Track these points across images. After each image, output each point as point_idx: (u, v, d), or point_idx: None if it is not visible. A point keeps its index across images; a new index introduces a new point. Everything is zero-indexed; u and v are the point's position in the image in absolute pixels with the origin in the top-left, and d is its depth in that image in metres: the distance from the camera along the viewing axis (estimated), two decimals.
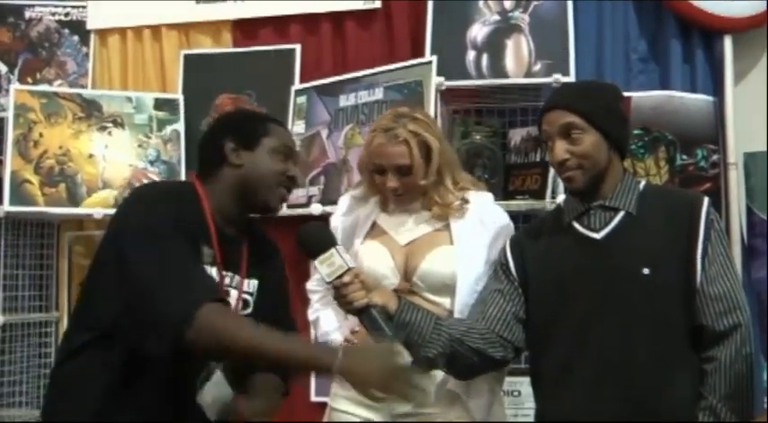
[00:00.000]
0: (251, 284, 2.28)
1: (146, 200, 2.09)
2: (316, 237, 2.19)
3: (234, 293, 2.20)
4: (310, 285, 2.85)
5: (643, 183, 2.33)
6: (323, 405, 2.93)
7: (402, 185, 2.51)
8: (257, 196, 2.20)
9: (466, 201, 2.57)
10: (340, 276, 2.12)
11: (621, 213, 2.23)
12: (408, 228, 2.59)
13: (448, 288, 2.50)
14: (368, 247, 2.57)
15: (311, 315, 2.82)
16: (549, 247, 2.31)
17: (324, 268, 2.13)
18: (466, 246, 2.53)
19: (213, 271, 2.14)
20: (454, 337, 2.24)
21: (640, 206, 2.24)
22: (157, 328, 1.91)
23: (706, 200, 2.22)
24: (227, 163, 2.19)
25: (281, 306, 2.36)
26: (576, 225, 2.27)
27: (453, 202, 2.55)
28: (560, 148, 2.22)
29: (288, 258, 3.78)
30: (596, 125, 2.21)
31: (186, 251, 2.01)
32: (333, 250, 2.13)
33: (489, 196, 2.68)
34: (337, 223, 2.65)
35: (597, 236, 2.24)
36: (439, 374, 2.42)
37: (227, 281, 2.19)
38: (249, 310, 2.24)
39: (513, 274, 2.34)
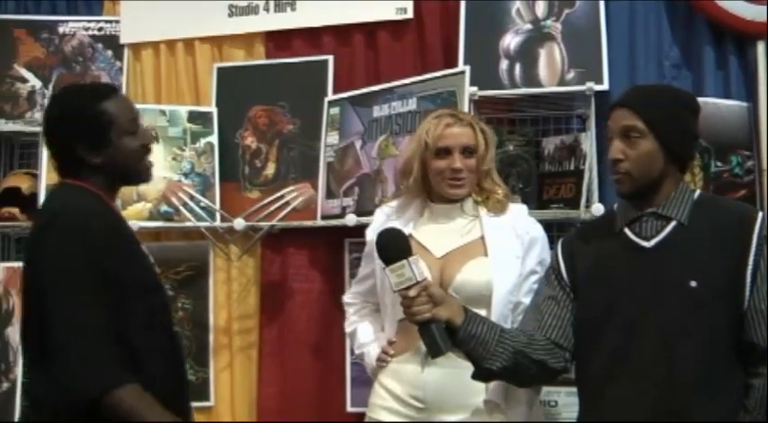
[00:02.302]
0: None
1: (58, 233, 2.14)
2: (391, 244, 2.22)
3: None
4: (347, 298, 2.90)
5: (698, 193, 2.30)
6: (360, 416, 2.94)
7: (466, 167, 2.60)
8: (132, 177, 2.38)
9: (508, 199, 2.67)
10: (407, 288, 2.14)
11: (673, 223, 2.22)
12: (443, 240, 2.62)
13: (483, 298, 2.52)
14: None
15: (348, 327, 2.87)
16: (599, 251, 2.30)
17: (393, 277, 2.15)
18: (500, 256, 2.57)
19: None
20: (517, 349, 2.24)
21: (693, 217, 2.22)
22: (68, 396, 2.03)
23: (760, 214, 2.19)
24: (88, 163, 2.28)
25: None
26: (628, 231, 2.26)
27: (498, 191, 2.65)
28: (616, 148, 2.22)
29: (324, 269, 3.86)
30: (656, 133, 2.19)
31: (103, 309, 2.09)
32: (404, 261, 2.15)
33: (524, 208, 2.73)
34: (372, 237, 2.66)
35: (647, 244, 2.22)
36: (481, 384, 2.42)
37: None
38: None
39: (564, 278, 2.34)
